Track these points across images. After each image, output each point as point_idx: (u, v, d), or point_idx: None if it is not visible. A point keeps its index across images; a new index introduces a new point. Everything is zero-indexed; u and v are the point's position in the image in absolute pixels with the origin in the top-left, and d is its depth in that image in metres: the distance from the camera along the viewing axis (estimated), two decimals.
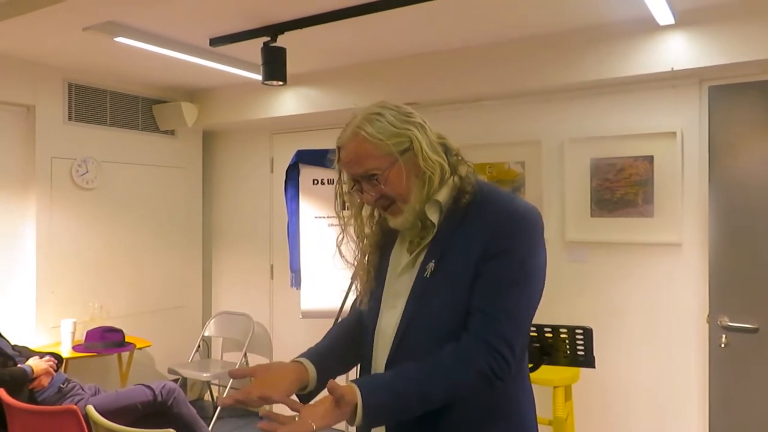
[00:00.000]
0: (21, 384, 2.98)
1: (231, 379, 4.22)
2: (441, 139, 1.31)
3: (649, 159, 3.17)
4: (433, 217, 1.27)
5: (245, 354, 4.40)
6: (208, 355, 4.84)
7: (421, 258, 1.28)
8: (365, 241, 1.38)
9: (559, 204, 3.43)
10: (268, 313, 4.72)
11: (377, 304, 1.35)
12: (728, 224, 2.96)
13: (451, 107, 3.78)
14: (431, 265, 1.25)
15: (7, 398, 2.76)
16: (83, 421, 2.54)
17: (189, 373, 4.26)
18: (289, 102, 4.19)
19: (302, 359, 1.31)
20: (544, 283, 1.26)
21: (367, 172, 1.26)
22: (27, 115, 3.89)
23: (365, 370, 1.36)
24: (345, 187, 1.35)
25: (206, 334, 4.71)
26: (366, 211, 1.38)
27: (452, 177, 1.29)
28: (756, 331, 2.86)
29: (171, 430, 2.40)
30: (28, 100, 3.84)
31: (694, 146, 3.08)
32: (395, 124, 1.25)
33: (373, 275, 1.37)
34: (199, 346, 4.61)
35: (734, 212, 2.96)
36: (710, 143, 3.02)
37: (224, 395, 4.19)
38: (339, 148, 1.30)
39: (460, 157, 1.32)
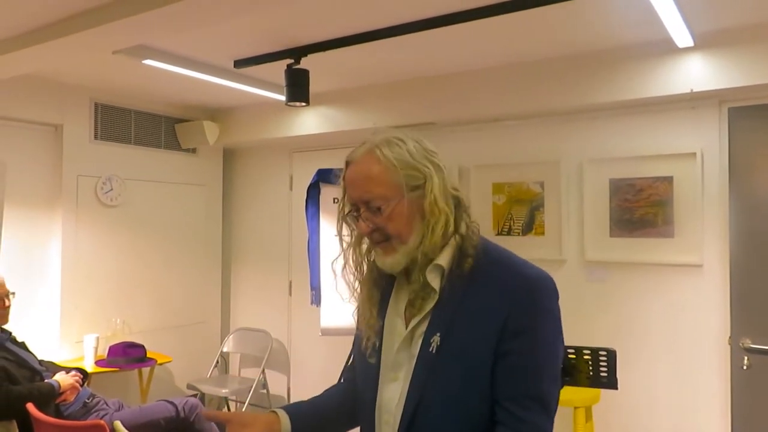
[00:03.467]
0: (48, 399, 3.02)
1: (249, 395, 4.25)
2: (456, 190, 1.19)
3: (669, 180, 3.18)
4: (434, 283, 1.15)
5: (263, 370, 4.42)
6: (226, 371, 4.87)
7: (423, 328, 1.16)
8: (364, 276, 1.27)
9: (578, 223, 3.45)
10: (286, 329, 4.75)
11: (375, 374, 1.23)
12: (750, 245, 2.96)
13: (470, 127, 3.81)
14: (436, 338, 1.13)
15: (35, 413, 2.81)
16: None
17: (207, 389, 4.30)
18: (310, 121, 4.25)
19: (278, 410, 1.27)
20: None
21: (369, 200, 1.15)
22: (55, 134, 3.99)
23: None
24: (346, 209, 1.23)
25: (225, 350, 4.75)
26: (366, 243, 1.26)
27: (454, 236, 1.16)
28: None
29: None
30: (55, 120, 3.94)
31: (714, 167, 3.09)
32: (414, 155, 1.15)
33: (375, 313, 1.24)
34: (217, 362, 4.65)
35: (756, 233, 2.95)
36: (730, 164, 3.03)
37: (243, 410, 4.19)
38: (348, 163, 1.20)
39: (466, 213, 1.20)
